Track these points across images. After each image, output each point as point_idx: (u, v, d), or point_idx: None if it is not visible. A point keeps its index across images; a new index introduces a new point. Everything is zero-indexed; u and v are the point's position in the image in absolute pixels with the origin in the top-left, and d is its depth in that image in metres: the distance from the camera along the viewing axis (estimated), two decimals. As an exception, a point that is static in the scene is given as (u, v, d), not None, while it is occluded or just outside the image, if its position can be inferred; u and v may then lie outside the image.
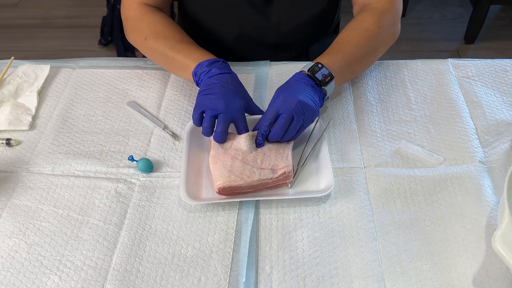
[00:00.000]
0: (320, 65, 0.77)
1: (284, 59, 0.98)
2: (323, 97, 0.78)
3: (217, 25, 0.98)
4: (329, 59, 0.80)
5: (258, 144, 0.73)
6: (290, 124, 0.72)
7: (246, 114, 0.77)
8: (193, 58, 0.80)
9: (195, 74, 0.79)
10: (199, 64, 0.78)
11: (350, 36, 0.84)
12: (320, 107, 0.78)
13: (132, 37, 0.91)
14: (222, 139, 0.73)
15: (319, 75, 0.77)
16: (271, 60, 0.97)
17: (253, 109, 0.79)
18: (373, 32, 0.84)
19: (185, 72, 0.82)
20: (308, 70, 0.77)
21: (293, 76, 0.78)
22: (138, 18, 0.89)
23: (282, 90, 0.75)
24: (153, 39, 0.86)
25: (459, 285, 0.62)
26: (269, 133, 0.73)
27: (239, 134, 0.75)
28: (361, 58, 0.85)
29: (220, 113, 0.72)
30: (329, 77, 0.77)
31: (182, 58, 0.82)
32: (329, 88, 0.78)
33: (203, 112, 0.74)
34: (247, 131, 0.75)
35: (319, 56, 0.81)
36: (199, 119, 0.74)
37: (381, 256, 0.65)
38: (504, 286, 0.62)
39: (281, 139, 0.74)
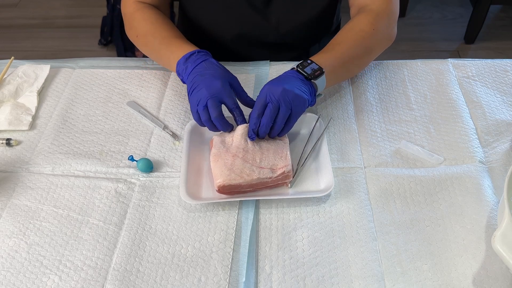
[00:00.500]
0: (309, 61, 0.78)
1: (284, 59, 0.98)
2: (314, 92, 0.77)
3: (216, 25, 0.98)
4: (321, 57, 0.80)
5: (251, 139, 0.73)
6: (278, 114, 0.72)
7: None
8: (174, 55, 0.81)
9: (178, 74, 0.80)
10: (177, 64, 0.79)
11: (344, 37, 0.84)
12: (313, 104, 0.78)
13: (129, 34, 0.93)
14: (224, 125, 0.73)
15: (308, 69, 0.76)
16: (271, 60, 0.97)
17: (235, 86, 0.77)
18: (368, 33, 0.84)
19: (172, 68, 0.83)
20: (297, 66, 0.77)
21: (283, 73, 0.78)
22: (131, 15, 0.90)
23: (270, 82, 0.75)
24: (143, 36, 0.88)
25: (459, 285, 0.62)
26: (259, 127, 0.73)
27: (232, 114, 0.75)
28: (355, 58, 0.85)
29: (207, 99, 0.72)
30: (319, 71, 0.76)
31: (167, 54, 0.83)
32: (320, 83, 0.77)
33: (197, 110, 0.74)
34: (239, 109, 0.74)
35: (313, 56, 0.81)
36: (198, 118, 0.75)
37: (381, 256, 0.65)
38: (504, 286, 0.62)
39: (273, 132, 0.74)
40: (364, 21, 0.85)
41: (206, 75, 0.74)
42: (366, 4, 0.88)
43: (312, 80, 0.76)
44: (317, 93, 0.79)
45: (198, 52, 0.79)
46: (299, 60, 0.97)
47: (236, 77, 0.78)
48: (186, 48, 0.80)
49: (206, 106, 0.72)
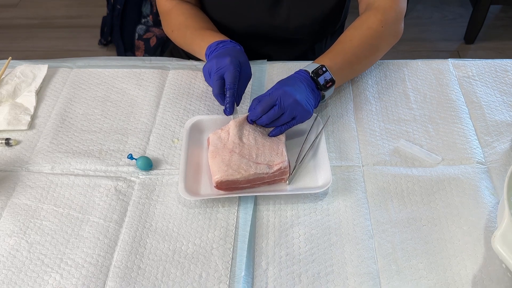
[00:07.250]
0: (324, 69, 0.79)
1: (293, 54, 1.00)
2: (319, 100, 0.80)
3: (226, 20, 0.98)
4: (331, 59, 0.81)
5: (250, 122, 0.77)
6: (278, 118, 0.74)
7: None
8: (206, 42, 0.84)
9: (206, 55, 0.83)
10: (208, 46, 0.83)
11: (352, 35, 0.85)
12: (315, 108, 0.80)
13: (165, 30, 0.97)
14: (221, 102, 0.77)
15: (321, 79, 0.78)
16: (276, 56, 0.98)
17: (244, 66, 0.79)
18: (375, 31, 0.84)
19: (202, 55, 0.86)
20: (312, 72, 0.78)
21: (297, 72, 0.80)
22: (167, 12, 0.95)
23: (284, 84, 0.76)
24: (177, 30, 0.92)
25: (454, 285, 0.63)
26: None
27: (225, 92, 0.77)
28: (362, 58, 0.86)
29: (214, 75, 0.76)
30: (331, 83, 0.79)
31: (199, 43, 0.86)
32: (328, 93, 0.80)
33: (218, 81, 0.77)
34: (232, 91, 0.76)
35: (321, 56, 0.82)
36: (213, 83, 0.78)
37: (377, 254, 0.66)
38: (500, 286, 0.62)
39: (267, 126, 0.77)
40: (371, 18, 0.85)
41: (222, 52, 0.78)
42: (374, 1, 0.88)
43: (322, 91, 0.79)
44: (322, 100, 0.81)
45: (230, 41, 0.83)
46: (306, 56, 0.98)
47: (250, 74, 0.81)
48: (219, 38, 0.84)
49: (214, 74, 0.77)
